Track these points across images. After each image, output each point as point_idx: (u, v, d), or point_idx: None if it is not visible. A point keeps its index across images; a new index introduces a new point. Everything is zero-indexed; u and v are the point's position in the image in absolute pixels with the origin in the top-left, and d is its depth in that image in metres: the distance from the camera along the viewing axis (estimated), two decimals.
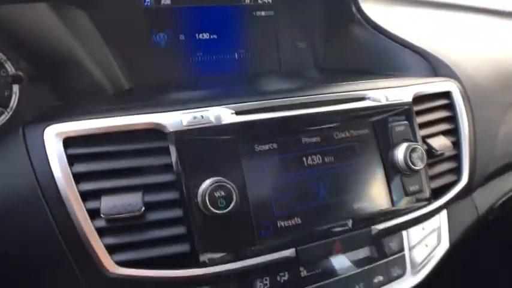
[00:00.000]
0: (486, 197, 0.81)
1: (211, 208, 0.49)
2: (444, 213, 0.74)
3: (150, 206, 0.50)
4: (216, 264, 0.51)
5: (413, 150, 0.61)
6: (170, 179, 0.51)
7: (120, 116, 0.52)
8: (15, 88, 0.68)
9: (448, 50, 0.81)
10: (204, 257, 0.50)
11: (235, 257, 0.52)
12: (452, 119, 0.72)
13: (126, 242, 0.50)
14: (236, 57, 0.86)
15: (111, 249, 0.49)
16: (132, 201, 0.49)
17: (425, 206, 0.64)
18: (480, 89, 0.77)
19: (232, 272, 0.52)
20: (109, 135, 0.51)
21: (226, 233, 0.52)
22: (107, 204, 0.49)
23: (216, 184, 0.50)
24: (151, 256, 0.50)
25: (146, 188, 0.51)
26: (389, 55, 0.82)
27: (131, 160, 0.51)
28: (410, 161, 0.61)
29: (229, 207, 0.50)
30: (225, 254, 0.52)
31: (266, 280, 0.58)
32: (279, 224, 0.55)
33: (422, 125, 0.68)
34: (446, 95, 0.72)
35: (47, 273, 0.50)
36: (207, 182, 0.50)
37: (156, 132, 0.52)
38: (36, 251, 0.49)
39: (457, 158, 0.70)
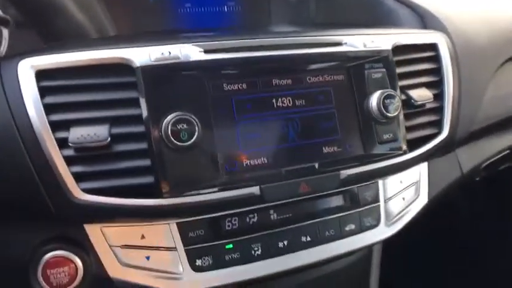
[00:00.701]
0: (471, 156, 0.79)
1: (174, 140, 0.50)
2: (424, 167, 0.73)
3: (116, 138, 0.52)
4: (179, 195, 0.52)
5: (387, 96, 0.60)
6: (136, 112, 0.52)
7: (90, 50, 0.53)
8: (5, 33, 0.70)
9: (440, 4, 0.78)
10: (166, 188, 0.52)
11: (198, 190, 0.53)
12: (438, 71, 0.70)
13: (92, 171, 0.51)
14: (225, 9, 0.86)
15: (78, 177, 0.51)
16: (98, 132, 0.51)
17: (399, 155, 0.64)
18: (470, 45, 0.75)
19: (194, 204, 0.53)
20: (79, 69, 0.52)
21: (190, 166, 0.53)
22: (75, 134, 0.50)
23: (179, 117, 0.51)
24: (117, 185, 0.51)
25: (114, 121, 0.52)
26: (379, 8, 0.80)
27: (100, 93, 0.53)
28: (384, 107, 0.60)
29: (191, 140, 0.51)
30: (187, 186, 0.53)
31: (235, 221, 0.60)
32: (244, 162, 0.55)
33: (404, 75, 0.67)
34: (433, 47, 0.71)
35: (18, 199, 0.53)
36: (171, 115, 0.51)
37: (124, 67, 0.53)
38: (8, 178, 0.52)
39: (439, 110, 0.69)
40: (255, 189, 0.55)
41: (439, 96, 0.69)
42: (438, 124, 0.69)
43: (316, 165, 0.58)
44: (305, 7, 0.88)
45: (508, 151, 0.84)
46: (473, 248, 1.26)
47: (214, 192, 0.54)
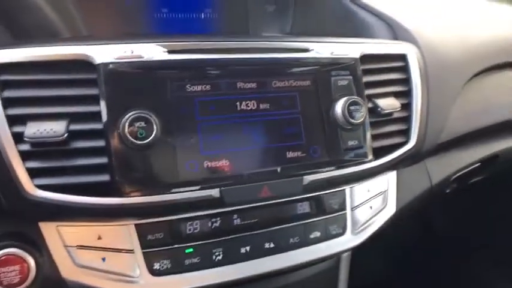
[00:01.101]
0: (441, 168, 0.79)
1: (131, 138, 0.50)
2: (393, 176, 0.73)
3: (74, 135, 0.51)
4: (135, 195, 0.51)
5: (352, 103, 0.61)
6: (95, 109, 0.52)
7: (52, 46, 0.53)
8: None
9: (413, 17, 0.80)
10: (122, 187, 0.51)
11: (155, 190, 0.52)
12: (407, 82, 0.71)
13: (48, 167, 0.50)
14: (202, 16, 0.87)
15: (33, 173, 0.50)
16: (56, 128, 0.50)
17: (364, 162, 0.64)
18: (440, 58, 0.76)
19: (151, 205, 0.52)
20: (40, 64, 0.52)
21: (148, 165, 0.52)
22: (32, 129, 0.50)
23: (137, 115, 0.50)
24: (73, 182, 0.51)
25: (72, 117, 0.52)
26: (353, 20, 0.81)
27: (59, 89, 0.52)
28: (349, 114, 0.60)
29: (149, 139, 0.50)
30: (144, 186, 0.52)
31: (196, 224, 0.59)
32: (205, 164, 0.55)
33: (371, 84, 0.67)
34: (403, 57, 0.71)
35: None
36: (129, 114, 0.50)
37: (85, 64, 0.53)
38: None
39: (406, 120, 0.69)
40: (214, 192, 0.55)
41: (407, 106, 0.70)
42: (406, 133, 0.69)
43: (279, 170, 0.58)
44: (283, 17, 0.89)
45: (478, 164, 0.85)
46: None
47: (172, 193, 0.53)
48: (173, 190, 0.53)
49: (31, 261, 0.53)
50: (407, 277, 1.37)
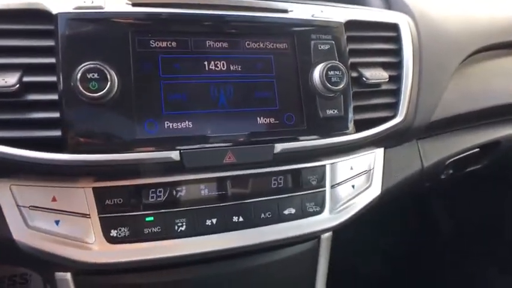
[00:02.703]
0: (435, 150, 0.74)
1: (82, 90, 0.46)
2: (380, 155, 0.68)
3: (27, 87, 0.48)
4: (87, 152, 0.48)
5: (331, 68, 0.56)
6: (50, 61, 0.49)
7: None
8: None
9: None
10: (73, 143, 0.48)
11: (108, 148, 0.49)
12: (398, 53, 0.66)
13: None
14: None
15: None
16: (8, 79, 0.47)
17: (343, 134, 0.59)
18: (437, 31, 0.71)
19: (104, 163, 0.49)
20: None
21: (103, 122, 0.49)
22: None
23: (90, 66, 0.47)
24: (24, 137, 0.48)
25: (26, 69, 0.49)
26: None
27: (15, 39, 0.49)
28: (327, 80, 0.56)
29: (102, 92, 0.47)
30: (98, 143, 0.49)
31: (160, 192, 0.55)
32: (166, 124, 0.51)
33: (357, 52, 0.62)
34: (395, 27, 0.66)
35: None
36: (82, 64, 0.47)
37: (43, 13, 0.50)
38: None
39: (395, 93, 0.64)
40: (174, 154, 0.51)
41: (396, 79, 0.65)
42: (394, 107, 0.64)
43: (247, 135, 0.54)
44: None
45: (477, 150, 0.79)
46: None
47: (126, 152, 0.49)
48: (128, 150, 0.49)
49: None
50: (404, 273, 1.32)
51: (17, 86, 0.47)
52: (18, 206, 0.51)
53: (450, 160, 0.76)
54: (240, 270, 0.63)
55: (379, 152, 0.68)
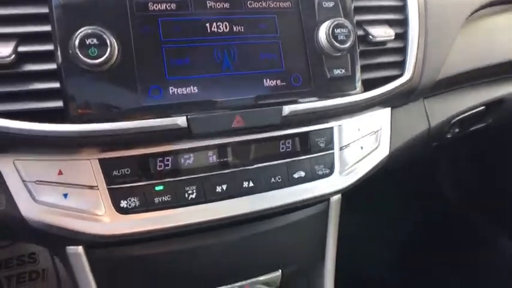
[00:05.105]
0: (440, 109, 0.73)
1: (82, 57, 0.44)
2: (387, 115, 0.67)
3: (23, 57, 0.46)
4: (90, 121, 0.47)
5: (337, 25, 0.54)
6: (46, 29, 0.47)
7: None
8: None
9: None
10: (75, 113, 0.46)
11: (112, 116, 0.47)
12: (403, 9, 0.64)
13: None
14: None
15: None
16: (1, 49, 0.45)
17: (352, 94, 0.58)
18: None
19: (109, 133, 0.47)
20: None
21: (105, 89, 0.47)
22: None
23: (88, 31, 0.45)
24: (24, 109, 0.46)
25: (21, 38, 0.46)
26: None
27: (8, 8, 0.47)
28: (334, 38, 0.54)
29: (102, 58, 0.45)
30: (100, 111, 0.47)
31: (167, 161, 0.54)
32: (171, 90, 0.49)
33: (362, 10, 0.60)
34: None
35: None
36: (80, 30, 0.45)
37: None
38: None
39: (402, 51, 0.63)
40: (180, 120, 0.49)
41: (402, 36, 0.63)
42: (400, 66, 0.63)
43: (254, 98, 0.53)
44: None
45: (482, 108, 0.78)
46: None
47: (132, 120, 0.48)
48: (133, 117, 0.48)
49: None
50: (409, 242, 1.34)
51: (12, 56, 0.45)
52: (23, 181, 0.50)
53: (456, 119, 0.75)
54: (251, 235, 0.63)
55: (386, 112, 0.67)
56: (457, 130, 0.79)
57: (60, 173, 0.51)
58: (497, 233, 1.18)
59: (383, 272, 1.33)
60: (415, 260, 1.35)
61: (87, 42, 0.45)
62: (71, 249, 0.57)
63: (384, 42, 0.61)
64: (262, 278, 0.67)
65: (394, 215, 1.34)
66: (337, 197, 0.69)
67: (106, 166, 0.51)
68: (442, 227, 1.31)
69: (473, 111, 0.77)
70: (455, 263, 1.26)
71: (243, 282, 0.66)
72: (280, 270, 0.68)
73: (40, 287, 1.13)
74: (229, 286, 0.65)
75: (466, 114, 0.76)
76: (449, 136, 0.79)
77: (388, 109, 0.67)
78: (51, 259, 1.17)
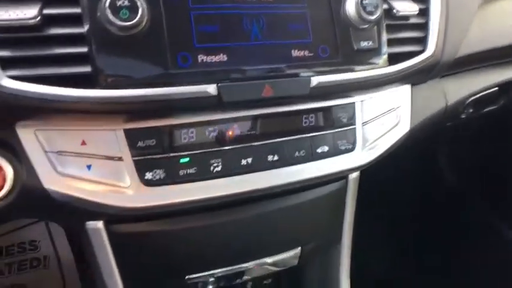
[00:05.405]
0: (457, 88, 0.73)
1: (113, 18, 0.43)
2: (407, 92, 0.67)
3: (49, 20, 0.44)
4: (119, 87, 0.45)
5: None
6: None
7: None
8: None
9: None
10: (103, 78, 0.45)
11: (142, 82, 0.46)
12: None
13: (21, 56, 0.44)
14: None
15: (4, 63, 0.43)
16: (26, 10, 0.43)
17: (378, 67, 0.57)
18: None
19: (138, 99, 0.46)
20: None
21: (135, 54, 0.46)
22: (0, 12, 0.43)
23: None
24: (50, 74, 0.44)
25: (47, 0, 0.45)
26: None
27: None
28: (363, 9, 0.54)
29: (134, 21, 0.43)
30: (131, 77, 0.46)
31: (192, 133, 0.53)
32: (199, 58, 0.48)
33: None
34: None
35: None
36: None
37: None
38: None
39: (424, 27, 0.63)
40: (211, 88, 0.48)
41: (424, 12, 0.63)
42: (422, 41, 0.63)
43: (283, 68, 0.52)
44: None
45: (496, 89, 0.78)
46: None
47: (162, 87, 0.47)
48: (162, 84, 0.47)
49: (8, 167, 0.47)
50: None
51: (38, 18, 0.43)
52: (45, 152, 0.48)
53: (470, 99, 0.76)
54: (272, 212, 0.62)
55: (407, 89, 0.67)
56: (471, 110, 0.80)
57: (83, 143, 0.49)
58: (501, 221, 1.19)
59: (383, 260, 1.34)
60: (415, 248, 1.36)
61: (118, 4, 0.43)
62: (90, 224, 0.56)
63: (407, 17, 0.61)
64: (281, 256, 0.66)
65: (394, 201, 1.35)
66: (356, 174, 0.69)
67: (131, 137, 0.50)
68: (443, 212, 1.32)
69: (487, 91, 0.78)
70: (456, 251, 1.28)
71: (255, 262, 0.65)
72: (299, 248, 0.67)
73: (41, 274, 1.10)
74: (236, 266, 0.65)
75: (480, 94, 0.76)
76: (463, 116, 0.79)
77: (408, 86, 0.67)
78: (53, 246, 1.14)
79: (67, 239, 1.15)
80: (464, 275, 1.24)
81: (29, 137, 0.48)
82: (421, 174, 1.36)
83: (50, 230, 1.14)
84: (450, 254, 1.29)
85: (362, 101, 0.62)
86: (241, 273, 0.65)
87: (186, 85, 0.47)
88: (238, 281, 0.65)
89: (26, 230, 1.13)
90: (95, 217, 0.55)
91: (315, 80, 0.53)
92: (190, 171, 0.52)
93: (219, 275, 0.63)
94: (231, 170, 0.54)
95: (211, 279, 0.63)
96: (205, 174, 0.53)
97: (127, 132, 0.50)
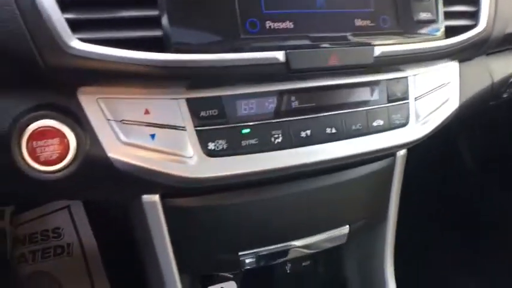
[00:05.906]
0: (502, 66, 0.73)
1: None
2: (456, 69, 0.67)
3: None
4: (190, 52, 0.44)
5: None
6: None
7: None
8: None
9: None
10: (176, 42, 0.44)
11: (214, 48, 0.45)
12: None
13: (89, 19, 0.42)
14: None
15: (73, 25, 0.42)
16: None
17: (436, 39, 0.57)
18: None
19: (208, 63, 0.45)
20: None
21: (206, 19, 0.45)
22: None
23: None
24: (118, 37, 0.43)
25: None
26: None
27: None
28: None
29: None
30: (202, 42, 0.45)
31: (252, 104, 0.52)
32: (267, 24, 0.47)
33: None
34: None
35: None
36: None
37: None
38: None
39: (476, 1, 0.62)
40: (279, 55, 0.47)
41: None
42: (474, 16, 0.62)
43: (347, 36, 0.51)
44: None
45: None
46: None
47: (232, 52, 0.46)
48: (232, 49, 0.46)
49: (71, 135, 0.46)
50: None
51: None
52: (108, 120, 0.47)
53: None
54: (322, 188, 0.62)
55: (455, 65, 0.67)
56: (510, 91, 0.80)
57: (146, 112, 0.48)
58: None
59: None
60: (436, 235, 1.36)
61: None
62: (146, 197, 0.55)
63: None
64: (332, 233, 0.66)
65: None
66: (404, 152, 0.69)
67: (193, 106, 0.49)
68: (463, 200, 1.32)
69: None
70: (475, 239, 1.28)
71: (306, 239, 0.65)
72: (348, 226, 0.67)
73: (65, 262, 1.09)
74: (289, 243, 0.64)
75: None
76: (505, 96, 0.79)
77: (456, 63, 0.67)
78: (76, 234, 1.13)
79: (90, 227, 1.14)
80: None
81: (91, 104, 0.47)
82: (441, 163, 1.36)
83: (73, 218, 1.13)
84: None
85: (415, 75, 0.62)
86: (291, 251, 0.64)
87: (255, 51, 0.47)
88: (288, 257, 0.64)
89: (49, 218, 1.12)
90: (153, 190, 0.54)
91: (378, 50, 0.52)
92: (252, 142, 0.51)
93: (272, 251, 0.62)
94: (291, 141, 0.53)
95: (264, 254, 0.62)
96: (266, 145, 0.52)
97: (189, 102, 0.49)
